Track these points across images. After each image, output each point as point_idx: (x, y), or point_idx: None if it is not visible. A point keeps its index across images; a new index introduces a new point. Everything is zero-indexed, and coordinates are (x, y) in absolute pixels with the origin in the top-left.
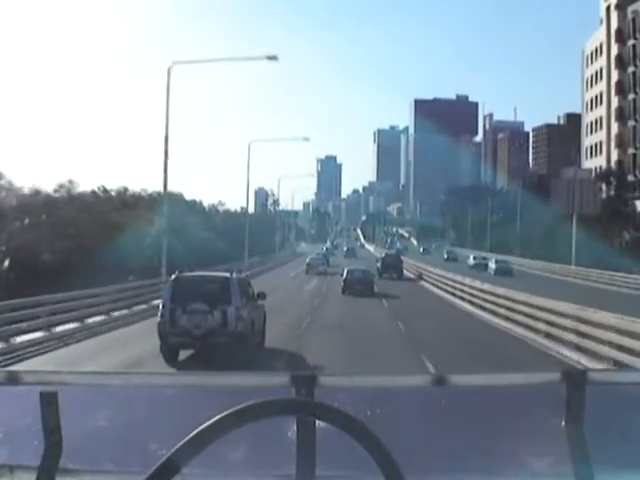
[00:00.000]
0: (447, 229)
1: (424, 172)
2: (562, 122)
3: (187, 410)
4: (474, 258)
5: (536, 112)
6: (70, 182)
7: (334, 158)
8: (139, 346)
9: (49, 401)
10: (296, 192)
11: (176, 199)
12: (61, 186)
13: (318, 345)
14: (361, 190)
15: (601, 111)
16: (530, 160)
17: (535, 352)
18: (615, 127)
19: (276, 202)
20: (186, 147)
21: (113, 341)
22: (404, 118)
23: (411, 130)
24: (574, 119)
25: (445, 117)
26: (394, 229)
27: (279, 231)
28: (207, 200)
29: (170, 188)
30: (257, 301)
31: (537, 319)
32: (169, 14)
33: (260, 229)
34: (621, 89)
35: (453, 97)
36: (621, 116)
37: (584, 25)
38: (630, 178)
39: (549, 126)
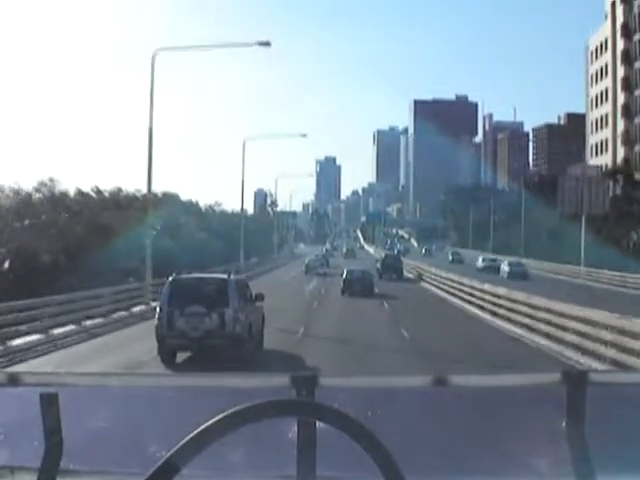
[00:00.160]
0: (448, 230)
1: (424, 173)
2: (562, 122)
3: (187, 411)
4: (483, 260)
5: (536, 112)
6: (51, 180)
7: (333, 159)
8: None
9: (50, 402)
10: (295, 193)
11: (171, 200)
12: (42, 184)
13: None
14: (360, 191)
15: (607, 108)
16: (530, 160)
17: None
18: (621, 124)
19: (274, 203)
20: (184, 148)
21: (77, 357)
22: (403, 119)
23: (411, 131)
24: (575, 119)
25: (445, 118)
26: (394, 230)
27: (276, 232)
28: (205, 201)
29: (166, 189)
30: (255, 303)
31: (564, 329)
32: (164, 13)
33: (258, 230)
34: (627, 85)
35: (452, 97)
36: (627, 113)
37: (583, 23)
38: (638, 176)
39: (549, 126)
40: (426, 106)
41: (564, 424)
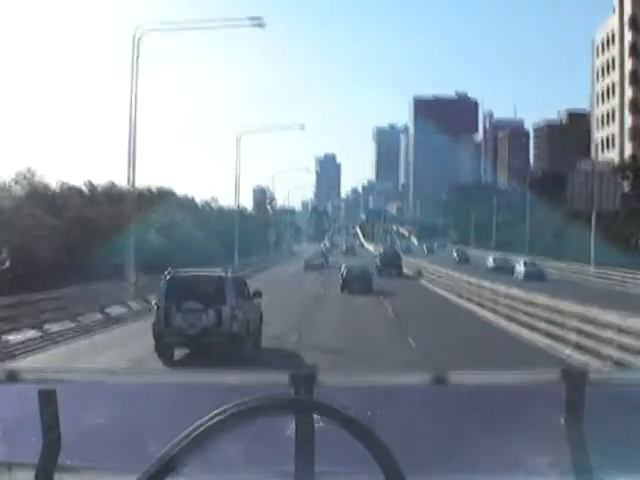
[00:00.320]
0: (448, 228)
1: (424, 171)
2: (563, 119)
3: (186, 408)
4: (494, 259)
5: (536, 109)
6: (29, 171)
7: (333, 157)
8: None
9: (48, 399)
10: (294, 189)
11: (166, 195)
12: (21, 175)
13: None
14: (360, 189)
15: (613, 103)
16: (531, 158)
17: None
18: (629, 119)
19: (272, 199)
20: (183, 144)
21: None
22: (403, 117)
23: (411, 129)
24: (576, 116)
25: (445, 116)
26: (394, 228)
27: (273, 229)
28: (203, 197)
29: (161, 184)
30: (253, 300)
31: (601, 340)
32: (159, 12)
33: (255, 228)
34: (635, 79)
35: (452, 94)
36: (635, 108)
37: (584, 20)
38: None
39: (550, 124)
40: (426, 104)
41: (563, 422)
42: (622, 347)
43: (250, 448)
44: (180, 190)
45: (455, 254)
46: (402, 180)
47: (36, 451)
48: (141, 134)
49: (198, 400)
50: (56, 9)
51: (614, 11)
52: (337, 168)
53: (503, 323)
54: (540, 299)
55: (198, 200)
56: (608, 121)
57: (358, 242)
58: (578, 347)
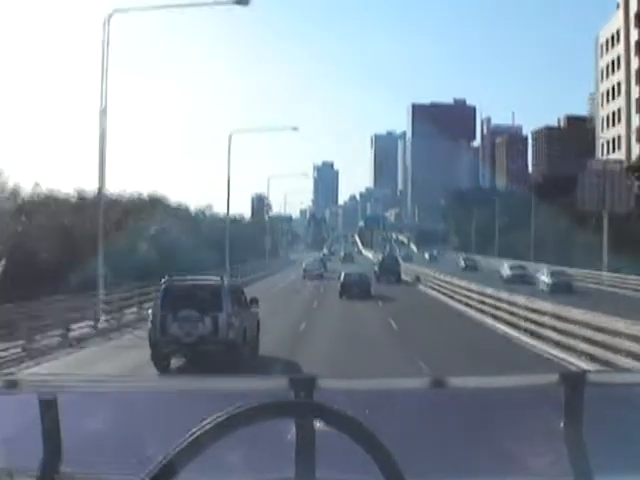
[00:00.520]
0: (448, 234)
1: (422, 177)
2: (562, 124)
3: (185, 414)
4: (511, 268)
5: (534, 114)
6: None
7: (331, 164)
8: None
9: (48, 406)
10: (291, 195)
11: (157, 203)
12: None
13: None
14: (358, 196)
15: (619, 103)
16: (529, 164)
17: None
18: (636, 119)
19: (267, 205)
20: (180, 151)
21: None
22: (401, 123)
23: (408, 135)
24: (575, 122)
25: (443, 122)
26: (393, 235)
27: (269, 237)
28: (198, 204)
29: (154, 191)
30: (250, 308)
31: None
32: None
33: (251, 235)
34: None
35: (450, 101)
36: None
37: (580, 26)
38: None
39: (549, 129)
40: (424, 110)
41: (562, 424)
42: None
43: (250, 453)
44: (176, 198)
45: (462, 261)
46: (400, 187)
47: (37, 458)
48: (136, 141)
49: (198, 406)
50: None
51: (618, 7)
52: (335, 175)
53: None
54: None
55: (193, 208)
56: (614, 121)
57: (356, 249)
58: None
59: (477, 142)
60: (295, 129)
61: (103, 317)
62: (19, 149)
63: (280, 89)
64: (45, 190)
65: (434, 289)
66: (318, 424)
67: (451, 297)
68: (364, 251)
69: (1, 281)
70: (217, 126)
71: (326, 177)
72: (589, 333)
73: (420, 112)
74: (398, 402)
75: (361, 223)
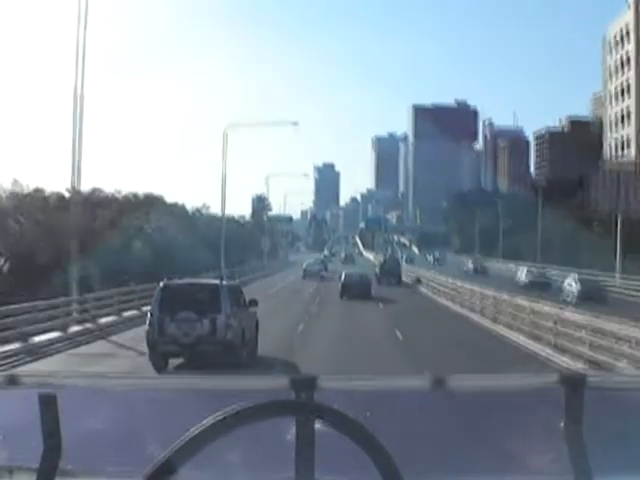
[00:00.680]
0: (450, 236)
1: (423, 179)
2: (565, 127)
3: (186, 412)
4: (528, 272)
5: (534, 115)
6: None
7: (332, 166)
8: None
9: (48, 403)
10: (291, 196)
11: (153, 202)
12: None
13: None
14: (359, 198)
15: (628, 101)
16: (532, 166)
17: None
18: None
19: (266, 205)
20: (179, 151)
21: None
22: (402, 125)
23: (410, 137)
24: (577, 124)
25: (444, 124)
26: (395, 237)
27: (267, 237)
28: (196, 204)
29: (151, 190)
30: (248, 309)
31: None
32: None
33: (249, 235)
34: None
35: (451, 101)
36: None
37: (582, 25)
38: None
39: (551, 131)
40: (426, 112)
41: (562, 426)
42: None
43: (250, 453)
44: (174, 198)
45: (470, 265)
46: (401, 188)
47: (37, 455)
48: (135, 141)
49: (198, 405)
50: None
51: (629, 6)
52: (336, 177)
53: None
54: None
55: (190, 207)
56: (622, 121)
57: (357, 251)
58: None
59: (479, 144)
60: (295, 124)
61: (75, 324)
62: None
63: (280, 90)
64: (25, 188)
65: (452, 300)
66: (318, 424)
67: (474, 310)
68: (365, 253)
69: None
70: (217, 127)
71: (327, 178)
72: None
73: (422, 114)
74: (398, 402)
75: (362, 225)
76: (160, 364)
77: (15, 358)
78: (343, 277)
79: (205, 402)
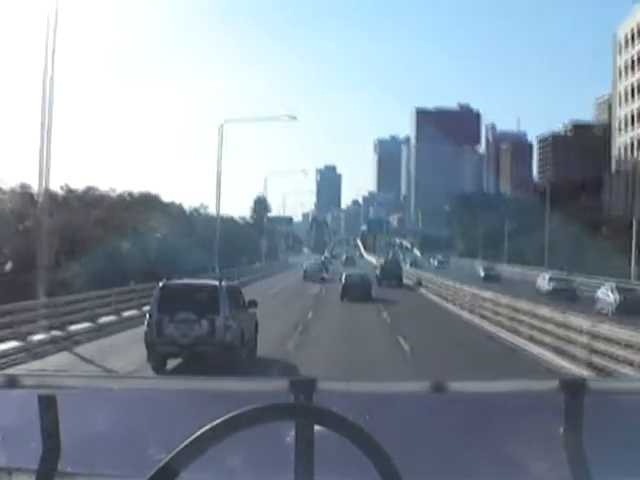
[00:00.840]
0: (453, 239)
1: (425, 182)
2: (568, 131)
3: (186, 415)
4: (551, 279)
5: (537, 118)
6: None
7: (334, 168)
8: None
9: (47, 405)
10: (292, 196)
11: (150, 201)
12: None
13: None
14: (361, 200)
15: (639, 102)
16: (535, 170)
17: None
18: None
19: (266, 206)
20: (179, 151)
21: None
22: (405, 128)
23: (412, 140)
24: (580, 129)
25: (447, 127)
26: (397, 240)
27: (265, 238)
28: (194, 204)
29: (148, 190)
30: (248, 310)
31: None
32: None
33: (247, 236)
34: None
35: (455, 106)
36: None
37: (585, 32)
38: None
39: (554, 136)
40: (428, 115)
41: (562, 431)
42: None
43: (250, 456)
44: (171, 198)
45: (481, 270)
46: (403, 191)
47: (36, 457)
48: (135, 141)
49: (198, 407)
50: None
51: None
52: (337, 179)
53: None
54: None
55: (187, 207)
56: (633, 122)
57: (358, 253)
58: None
59: (482, 148)
60: (293, 118)
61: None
62: None
63: (283, 91)
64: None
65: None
66: (318, 427)
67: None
68: (366, 255)
69: None
70: (216, 127)
71: (329, 181)
72: None
73: (424, 117)
74: (398, 405)
75: (364, 227)
76: (159, 365)
77: None
78: (344, 278)
79: (204, 404)
